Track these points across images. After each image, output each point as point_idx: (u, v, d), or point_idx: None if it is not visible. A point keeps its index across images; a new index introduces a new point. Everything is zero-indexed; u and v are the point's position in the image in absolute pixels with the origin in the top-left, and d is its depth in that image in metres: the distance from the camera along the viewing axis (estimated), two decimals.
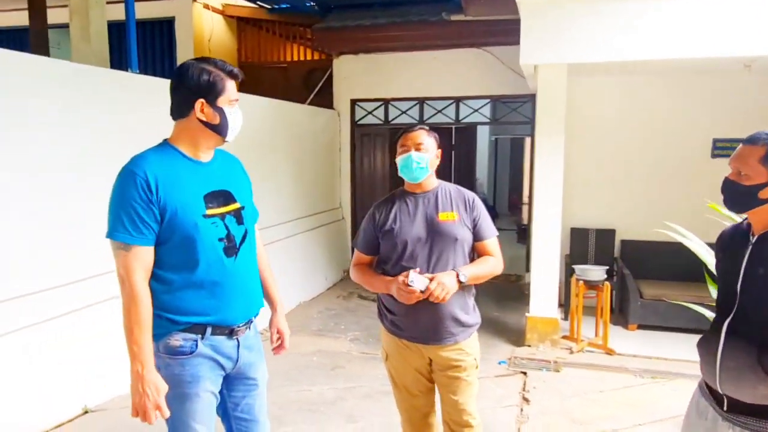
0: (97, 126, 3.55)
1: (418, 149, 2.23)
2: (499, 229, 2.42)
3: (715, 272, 1.84)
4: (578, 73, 5.03)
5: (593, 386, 3.94)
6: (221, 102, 1.78)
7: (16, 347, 3.03)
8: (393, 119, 7.21)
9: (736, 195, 1.57)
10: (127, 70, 4.09)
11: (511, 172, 12.67)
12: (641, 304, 4.95)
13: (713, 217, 2.71)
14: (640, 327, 5.02)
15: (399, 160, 2.27)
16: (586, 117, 5.64)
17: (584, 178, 5.71)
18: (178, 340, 1.76)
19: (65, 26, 5.65)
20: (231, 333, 1.85)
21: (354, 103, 7.29)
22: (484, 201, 13.48)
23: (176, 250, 1.74)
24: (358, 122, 7.35)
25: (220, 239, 1.80)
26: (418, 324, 2.22)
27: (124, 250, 1.68)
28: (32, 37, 4.54)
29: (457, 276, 2.15)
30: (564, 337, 4.80)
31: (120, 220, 1.67)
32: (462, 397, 2.28)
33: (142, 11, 5.88)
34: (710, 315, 2.93)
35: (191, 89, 1.75)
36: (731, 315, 1.54)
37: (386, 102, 7.17)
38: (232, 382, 1.94)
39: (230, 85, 1.80)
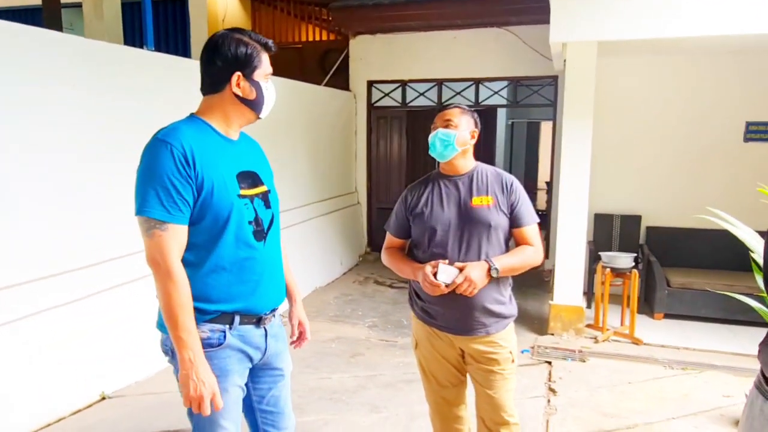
0: (112, 104, 3.44)
1: (446, 126, 2.12)
2: None
3: (761, 261, 1.65)
4: (606, 52, 4.84)
5: (621, 377, 3.81)
6: (257, 76, 1.66)
7: (34, 332, 2.95)
8: (410, 101, 7.04)
9: None
10: (142, 47, 3.95)
11: (527, 156, 12.46)
12: (668, 292, 4.80)
13: (765, 202, 2.55)
14: (667, 316, 4.88)
15: (429, 139, 2.16)
16: (611, 99, 5.45)
17: (609, 162, 5.54)
18: (205, 331, 1.62)
19: (78, 6, 5.54)
20: (258, 321, 1.74)
21: (371, 84, 7.13)
22: None
23: (207, 232, 1.60)
24: (375, 104, 7.20)
25: (250, 222, 1.68)
26: (449, 313, 2.11)
27: (159, 228, 1.52)
28: (45, 14, 4.42)
29: (489, 269, 2.02)
30: (588, 326, 4.68)
31: (155, 196, 1.51)
32: (497, 393, 2.16)
33: None
34: (756, 305, 2.79)
35: (227, 61, 1.62)
36: None
37: (404, 84, 7.00)
38: (258, 373, 1.83)
39: (266, 58, 1.68)
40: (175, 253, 1.54)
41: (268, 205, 1.76)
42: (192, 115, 1.69)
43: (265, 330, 1.77)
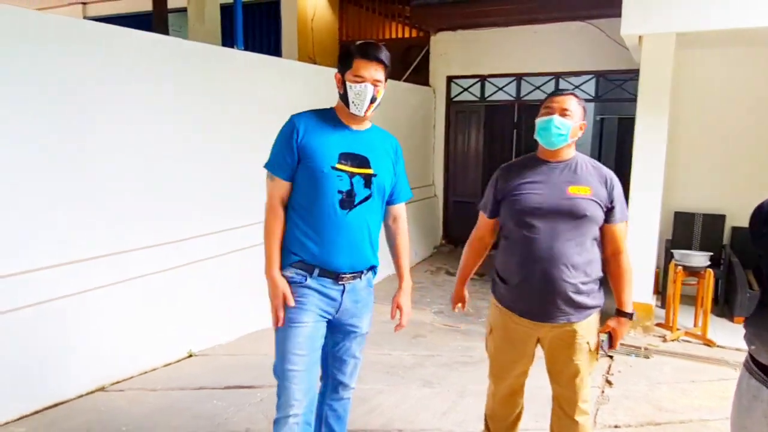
0: (205, 94, 3.89)
1: (563, 114, 2.08)
2: None
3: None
4: (688, 44, 4.67)
5: (685, 376, 3.74)
6: (347, 76, 2.03)
7: (138, 293, 3.46)
8: (489, 96, 7.11)
9: None
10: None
11: (617, 155, 11.96)
12: (750, 296, 4.57)
13: None
14: None
15: (539, 121, 2.13)
16: (695, 93, 5.24)
17: (691, 158, 5.33)
18: (291, 273, 2.06)
19: (184, 10, 6.17)
20: (336, 278, 2.07)
21: (450, 80, 7.28)
22: None
23: (302, 191, 2.06)
24: (454, 99, 7.34)
25: (340, 191, 2.02)
26: (530, 298, 2.13)
27: (270, 178, 2.10)
28: (154, 19, 5.02)
29: (630, 317, 2.21)
30: (658, 325, 4.57)
31: (274, 155, 2.09)
32: (572, 382, 2.18)
33: None
34: None
35: (337, 65, 2.09)
36: None
37: (482, 78, 7.08)
38: (336, 327, 2.16)
39: (358, 63, 2.01)
40: (277, 196, 2.09)
41: (368, 186, 2.08)
42: (330, 107, 2.15)
43: (344, 287, 2.08)
